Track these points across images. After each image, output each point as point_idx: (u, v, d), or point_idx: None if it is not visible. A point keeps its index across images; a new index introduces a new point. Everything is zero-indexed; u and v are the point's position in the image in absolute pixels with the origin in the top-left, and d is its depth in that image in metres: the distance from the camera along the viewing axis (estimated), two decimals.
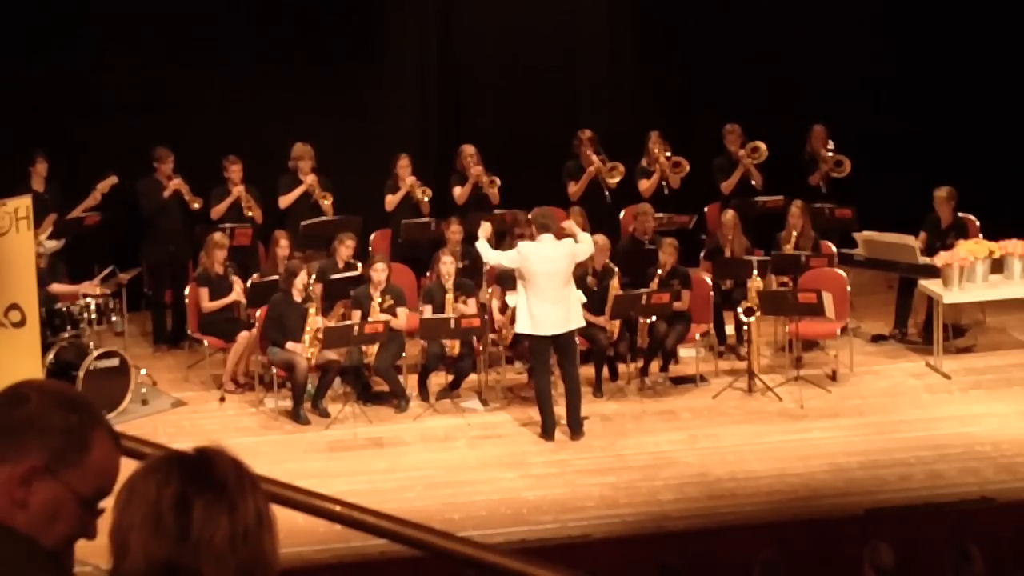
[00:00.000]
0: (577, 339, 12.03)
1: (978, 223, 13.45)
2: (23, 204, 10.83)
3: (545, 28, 14.93)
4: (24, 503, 2.21)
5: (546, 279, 10.90)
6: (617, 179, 13.51)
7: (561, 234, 11.30)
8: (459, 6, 14.87)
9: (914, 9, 15.08)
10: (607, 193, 13.63)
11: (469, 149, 13.60)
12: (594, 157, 13.57)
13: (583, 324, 11.22)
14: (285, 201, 13.31)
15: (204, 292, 12.19)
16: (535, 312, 10.93)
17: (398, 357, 11.84)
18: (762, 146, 13.82)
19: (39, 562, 2.20)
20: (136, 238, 13.26)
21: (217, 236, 12.35)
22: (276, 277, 12.06)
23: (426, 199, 13.35)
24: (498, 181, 13.51)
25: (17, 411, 2.24)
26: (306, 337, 11.55)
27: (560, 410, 11.23)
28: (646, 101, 14.84)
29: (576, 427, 11.14)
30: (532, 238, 11.18)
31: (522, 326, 11.02)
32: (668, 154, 13.76)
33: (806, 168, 14.02)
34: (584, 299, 11.47)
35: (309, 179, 13.22)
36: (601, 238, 12.13)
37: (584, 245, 11.23)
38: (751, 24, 14.92)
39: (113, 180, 12.89)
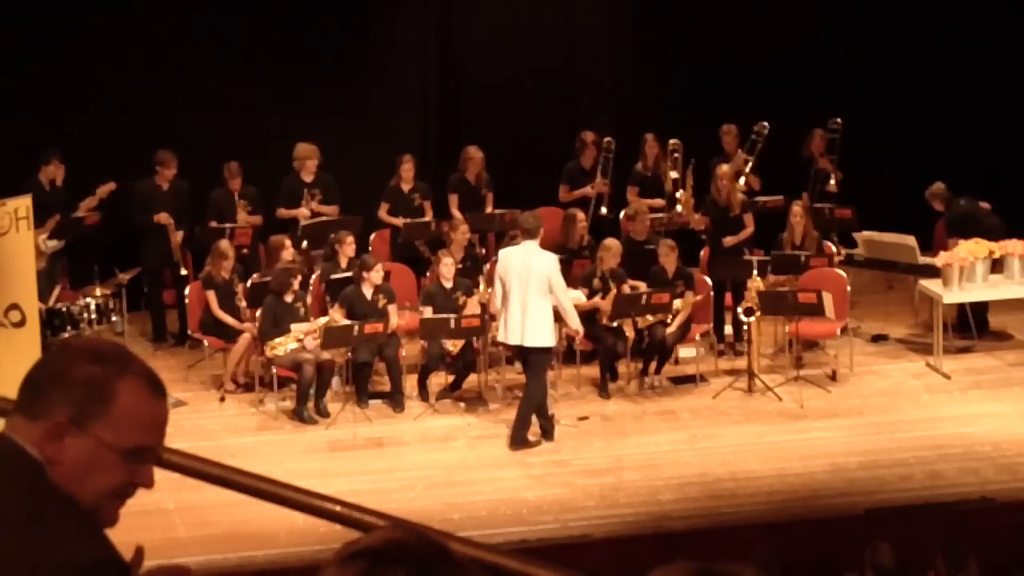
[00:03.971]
0: (579, 340, 12.06)
1: None
2: (23, 204, 10.82)
3: (545, 28, 14.94)
4: (56, 459, 2.20)
5: (516, 284, 10.80)
6: (608, 214, 13.36)
7: (549, 241, 11.27)
8: (459, 6, 14.88)
9: (914, 10, 15.08)
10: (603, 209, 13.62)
11: (475, 154, 13.52)
12: (591, 187, 13.48)
13: (537, 345, 10.85)
14: (282, 214, 13.30)
15: (211, 295, 12.18)
16: (507, 318, 10.87)
17: (399, 346, 11.86)
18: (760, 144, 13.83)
19: (68, 516, 2.19)
20: (134, 239, 13.26)
21: (223, 245, 12.31)
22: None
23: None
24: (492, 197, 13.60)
25: (44, 369, 2.24)
26: (306, 325, 11.57)
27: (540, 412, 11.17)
28: (646, 101, 14.84)
29: (518, 439, 11.00)
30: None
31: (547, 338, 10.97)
32: (675, 175, 13.71)
33: (804, 170, 14.01)
34: (581, 298, 11.48)
35: (309, 208, 13.17)
36: (613, 243, 12.14)
37: (564, 310, 10.96)
38: (751, 24, 14.92)
39: (112, 186, 12.89)
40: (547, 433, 11.10)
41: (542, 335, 10.84)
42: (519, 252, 10.93)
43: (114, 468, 2.22)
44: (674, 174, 13.67)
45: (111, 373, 2.22)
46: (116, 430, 2.22)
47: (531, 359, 10.96)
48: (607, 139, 13.67)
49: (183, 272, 13.01)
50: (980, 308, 12.99)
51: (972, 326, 12.93)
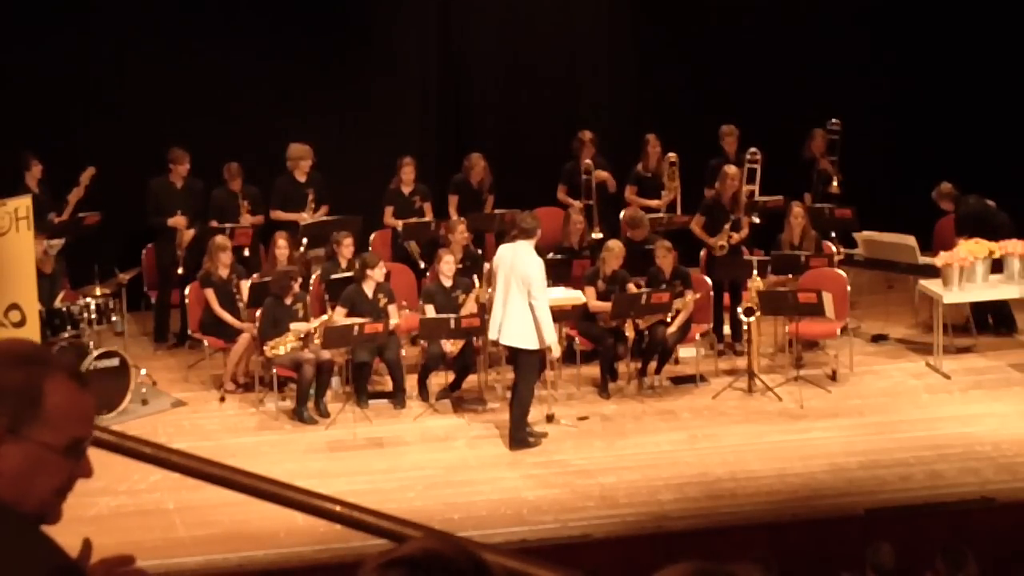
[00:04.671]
0: (579, 339, 12.07)
1: None
2: (23, 204, 10.82)
3: (545, 28, 14.93)
4: None
5: (502, 281, 10.87)
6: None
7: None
8: (459, 6, 14.87)
9: (913, 10, 15.08)
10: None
11: (479, 161, 13.51)
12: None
13: (516, 345, 10.85)
14: (277, 216, 13.31)
15: (210, 293, 12.18)
16: (492, 313, 10.98)
17: (399, 346, 11.87)
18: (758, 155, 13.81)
19: (13, 530, 2.19)
20: (138, 238, 13.25)
21: (219, 240, 12.32)
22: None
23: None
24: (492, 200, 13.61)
25: None
26: (306, 325, 11.57)
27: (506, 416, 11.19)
28: (646, 101, 14.84)
29: (515, 440, 11.02)
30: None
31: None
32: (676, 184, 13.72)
33: (805, 170, 13.99)
34: (581, 297, 11.46)
35: (311, 212, 13.19)
36: (616, 244, 12.14)
37: (539, 320, 10.76)
38: (751, 24, 14.92)
39: (92, 171, 12.90)
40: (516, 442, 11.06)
41: (519, 336, 10.79)
42: (511, 250, 10.96)
43: (57, 467, 2.23)
44: (673, 184, 13.69)
45: (36, 375, 2.23)
46: (52, 429, 2.22)
47: (517, 359, 11.00)
48: (586, 161, 13.63)
49: (179, 271, 12.98)
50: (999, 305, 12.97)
51: (990, 323, 12.97)
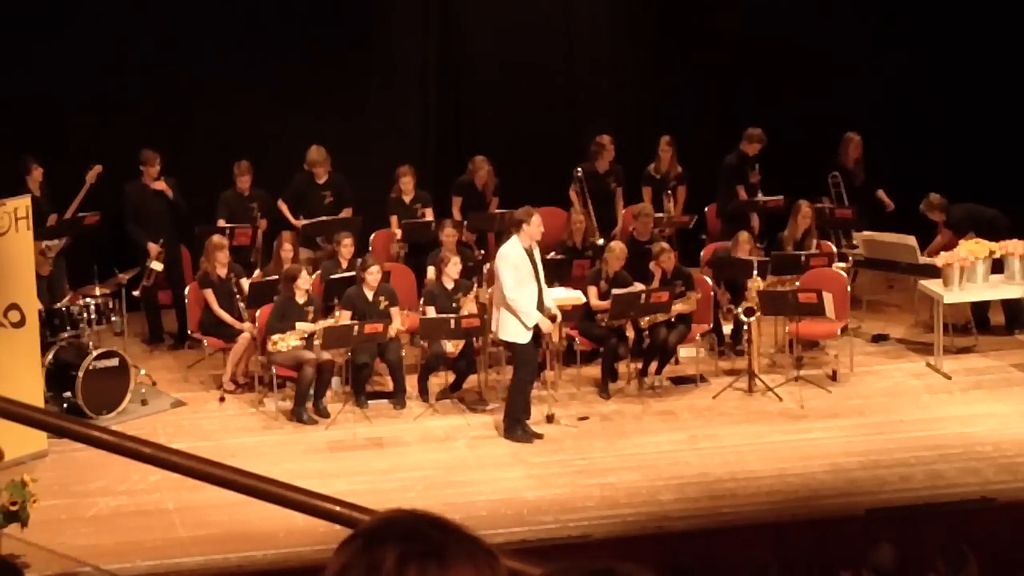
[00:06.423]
0: (579, 339, 12.09)
1: None
2: (23, 204, 10.83)
3: (546, 27, 14.93)
4: None
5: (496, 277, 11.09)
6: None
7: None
8: (459, 6, 14.87)
9: (916, 13, 15.07)
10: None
11: (483, 165, 13.50)
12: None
13: (505, 339, 11.06)
14: (282, 208, 13.35)
15: (209, 293, 12.18)
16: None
17: (401, 347, 11.88)
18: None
19: None
20: (132, 239, 13.24)
21: (215, 239, 12.31)
22: (277, 277, 12.09)
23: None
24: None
25: None
26: (310, 326, 11.57)
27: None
28: (647, 101, 14.84)
29: (505, 428, 11.18)
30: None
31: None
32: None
33: (835, 173, 13.83)
34: (581, 297, 11.47)
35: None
36: (618, 245, 12.15)
37: (511, 308, 10.90)
38: (753, 23, 14.91)
39: (98, 169, 12.89)
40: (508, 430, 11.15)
41: (505, 329, 10.94)
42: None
43: None
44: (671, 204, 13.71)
45: None
46: None
47: (511, 353, 11.18)
48: (578, 169, 13.60)
49: (145, 283, 12.86)
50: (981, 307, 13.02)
51: (972, 325, 12.97)
